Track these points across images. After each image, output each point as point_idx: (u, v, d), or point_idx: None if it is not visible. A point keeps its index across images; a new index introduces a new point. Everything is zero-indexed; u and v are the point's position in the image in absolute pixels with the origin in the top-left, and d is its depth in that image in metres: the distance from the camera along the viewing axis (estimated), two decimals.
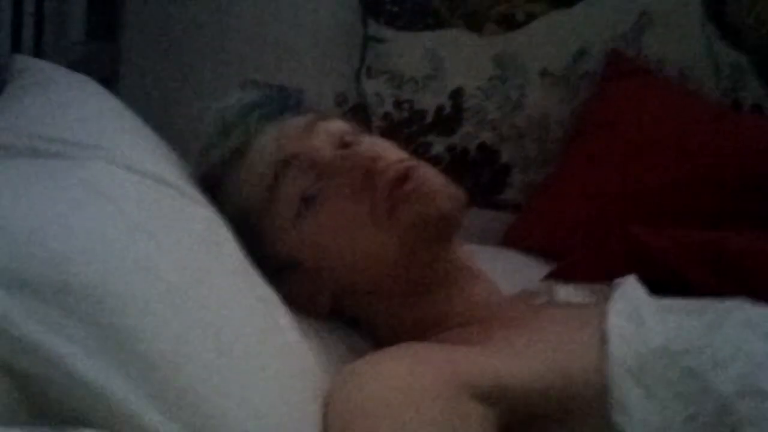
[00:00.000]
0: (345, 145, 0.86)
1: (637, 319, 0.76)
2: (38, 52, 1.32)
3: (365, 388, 0.70)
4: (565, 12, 1.56)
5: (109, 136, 0.82)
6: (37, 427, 0.56)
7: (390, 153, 0.85)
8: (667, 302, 0.81)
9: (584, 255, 1.02)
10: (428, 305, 0.85)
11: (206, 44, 1.60)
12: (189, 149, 0.92)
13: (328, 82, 1.59)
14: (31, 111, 0.84)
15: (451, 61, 1.55)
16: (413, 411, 0.67)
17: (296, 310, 0.80)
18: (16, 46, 1.26)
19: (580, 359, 0.73)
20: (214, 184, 0.87)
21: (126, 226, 0.68)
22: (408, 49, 1.55)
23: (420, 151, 1.50)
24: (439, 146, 1.54)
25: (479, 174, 1.55)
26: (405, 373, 0.71)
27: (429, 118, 1.55)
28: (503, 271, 0.97)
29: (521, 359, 0.73)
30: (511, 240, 1.44)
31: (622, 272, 0.85)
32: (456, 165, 1.52)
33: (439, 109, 1.55)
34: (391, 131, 1.51)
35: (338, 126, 0.89)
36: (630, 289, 0.82)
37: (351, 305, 0.87)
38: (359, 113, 1.55)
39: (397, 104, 1.55)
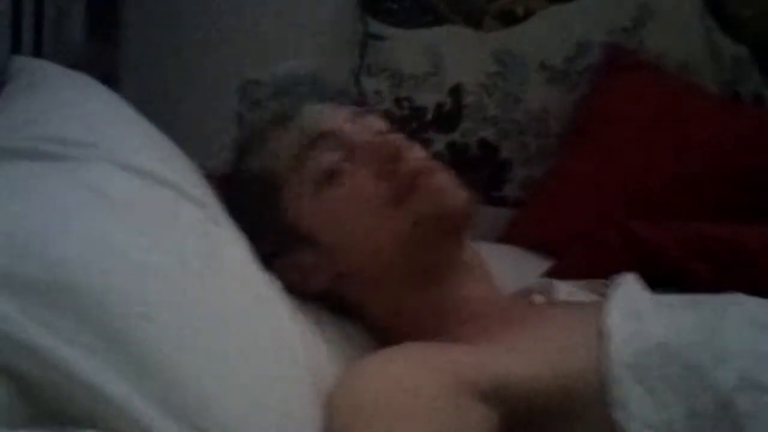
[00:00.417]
0: (378, 135, 0.90)
1: (636, 317, 0.76)
2: (38, 52, 1.32)
3: (367, 388, 0.71)
4: (564, 6, 1.55)
5: (110, 136, 0.82)
6: (37, 429, 0.56)
7: (417, 150, 0.89)
8: (666, 299, 0.81)
9: (583, 251, 1.02)
10: (425, 300, 0.85)
11: (206, 44, 1.60)
12: (189, 149, 0.92)
13: (327, 80, 1.58)
14: (31, 111, 0.84)
15: (451, 57, 1.54)
16: (415, 411, 0.67)
17: (288, 285, 0.82)
18: (16, 46, 1.26)
19: (580, 358, 0.73)
20: (252, 138, 0.93)
21: (126, 228, 0.68)
22: (407, 46, 1.55)
23: None
24: (439, 143, 1.54)
25: (479, 170, 1.55)
26: (407, 373, 0.71)
27: (429, 115, 1.55)
28: (503, 266, 0.97)
29: (522, 359, 0.73)
30: (511, 236, 1.44)
31: (621, 268, 0.86)
32: (456, 161, 1.52)
33: (439, 105, 1.55)
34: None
35: (378, 121, 0.93)
36: (629, 286, 0.83)
37: (349, 291, 0.87)
38: None
39: (397, 101, 1.55)
